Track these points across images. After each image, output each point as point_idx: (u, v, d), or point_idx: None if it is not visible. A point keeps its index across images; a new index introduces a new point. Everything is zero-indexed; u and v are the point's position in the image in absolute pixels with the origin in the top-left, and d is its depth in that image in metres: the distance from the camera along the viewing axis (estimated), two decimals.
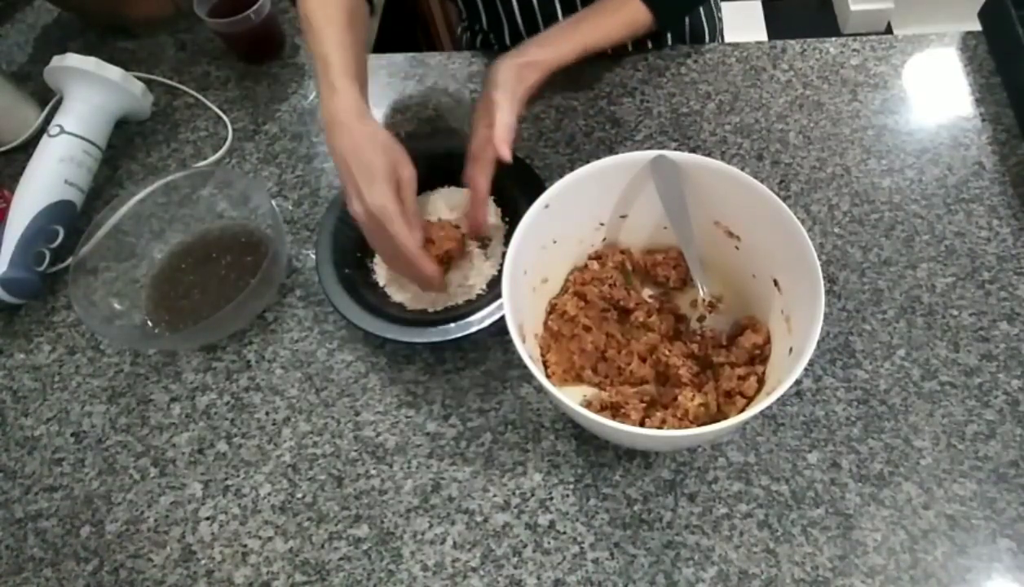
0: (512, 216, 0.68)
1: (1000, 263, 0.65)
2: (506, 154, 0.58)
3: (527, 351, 0.49)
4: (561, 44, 0.65)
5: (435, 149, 0.71)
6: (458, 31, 1.08)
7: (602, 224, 0.63)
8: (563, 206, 0.57)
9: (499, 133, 0.57)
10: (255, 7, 0.81)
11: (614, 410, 0.56)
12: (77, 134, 0.75)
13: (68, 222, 0.74)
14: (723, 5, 0.99)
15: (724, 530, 0.55)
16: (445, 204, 0.71)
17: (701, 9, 0.88)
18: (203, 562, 0.57)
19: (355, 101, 0.58)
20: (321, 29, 0.61)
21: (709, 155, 0.64)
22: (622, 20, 0.69)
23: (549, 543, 0.56)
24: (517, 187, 0.68)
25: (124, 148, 0.84)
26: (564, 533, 0.56)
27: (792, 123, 0.76)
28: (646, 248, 0.65)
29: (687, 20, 0.87)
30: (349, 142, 0.57)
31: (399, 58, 0.87)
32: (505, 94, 0.59)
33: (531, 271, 0.58)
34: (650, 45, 0.85)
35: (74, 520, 0.60)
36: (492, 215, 0.70)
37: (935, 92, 0.77)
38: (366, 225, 0.57)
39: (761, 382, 0.55)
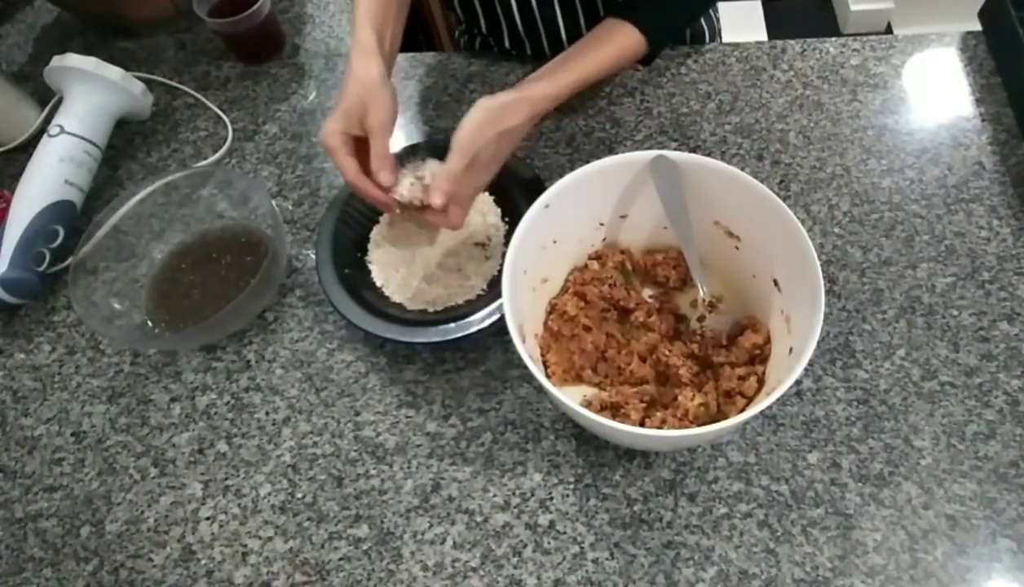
0: (512, 216, 0.68)
1: (1000, 263, 0.65)
2: (436, 201, 0.57)
3: (527, 351, 0.49)
4: (555, 79, 0.65)
5: (436, 148, 0.71)
6: (456, 34, 1.08)
7: (602, 224, 0.63)
8: (563, 206, 0.57)
9: (437, 180, 0.57)
10: (255, 7, 0.81)
11: (614, 410, 0.56)
12: (77, 134, 0.75)
13: (68, 222, 0.74)
14: (723, 5, 0.99)
15: (724, 530, 0.55)
16: None
17: None
18: (203, 562, 0.57)
19: (367, 47, 0.61)
20: None
21: (709, 155, 0.64)
22: (616, 48, 0.69)
23: (549, 543, 0.56)
24: (517, 187, 0.68)
25: (124, 148, 0.84)
26: (564, 533, 0.56)
27: (792, 123, 0.76)
28: (646, 248, 0.65)
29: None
30: (344, 81, 0.61)
31: (399, 58, 0.87)
32: (460, 139, 0.57)
33: (531, 271, 0.58)
34: None
35: (74, 520, 0.60)
36: (492, 215, 0.70)
37: (935, 92, 0.77)
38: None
39: (761, 382, 0.55)
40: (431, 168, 0.61)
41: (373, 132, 0.59)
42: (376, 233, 0.70)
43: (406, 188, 0.60)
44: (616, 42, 0.69)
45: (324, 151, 0.60)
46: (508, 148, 0.61)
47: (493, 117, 0.59)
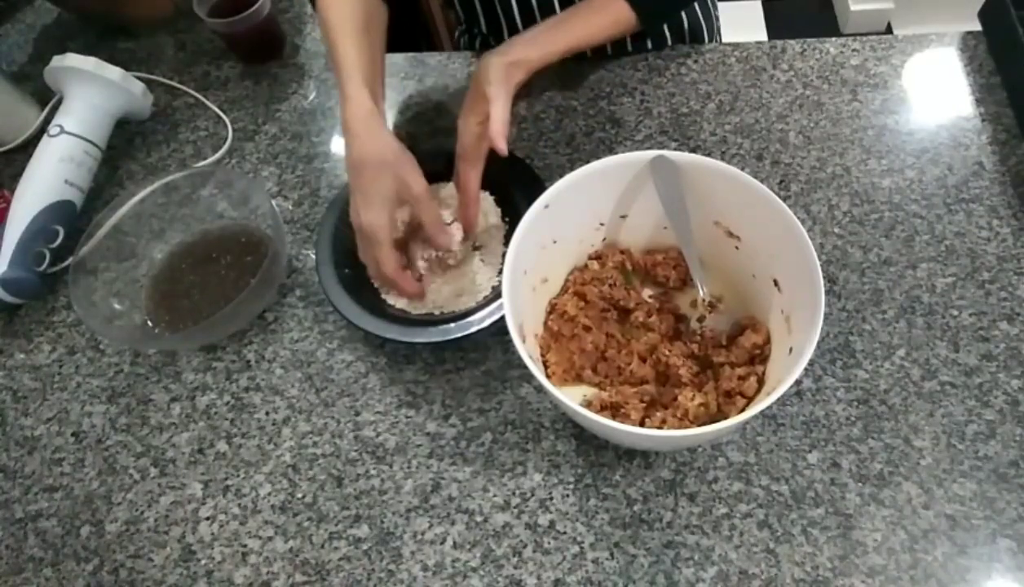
0: (512, 216, 0.68)
1: (1000, 263, 0.65)
2: (502, 147, 0.58)
3: (527, 351, 0.49)
4: (547, 43, 0.65)
5: (437, 148, 0.71)
6: (456, 34, 1.08)
7: (602, 224, 0.63)
8: (563, 206, 0.57)
9: (495, 126, 0.58)
10: (255, 7, 0.81)
11: (614, 410, 0.56)
12: (77, 134, 0.75)
13: (68, 222, 0.74)
14: (723, 5, 0.99)
15: (724, 530, 0.55)
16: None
17: (699, 9, 0.88)
18: (203, 562, 0.57)
19: (366, 109, 0.59)
20: (335, 29, 0.63)
21: (709, 155, 0.64)
22: (607, 20, 0.69)
23: (549, 543, 0.56)
24: (517, 187, 0.68)
25: (124, 148, 0.84)
26: (564, 533, 0.56)
27: (792, 123, 0.76)
28: (646, 248, 0.65)
29: (685, 20, 0.87)
30: (357, 155, 0.59)
31: (399, 58, 0.87)
32: (498, 89, 0.59)
33: (531, 271, 0.58)
34: (650, 45, 0.85)
35: (74, 520, 0.60)
36: (492, 215, 0.70)
37: (935, 92, 0.77)
38: (359, 238, 0.61)
39: (761, 382, 0.55)
40: (447, 191, 0.63)
41: (420, 200, 0.59)
42: None
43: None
44: (609, 14, 0.69)
45: (366, 239, 0.59)
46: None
47: (507, 71, 0.61)
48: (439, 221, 0.61)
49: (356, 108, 0.59)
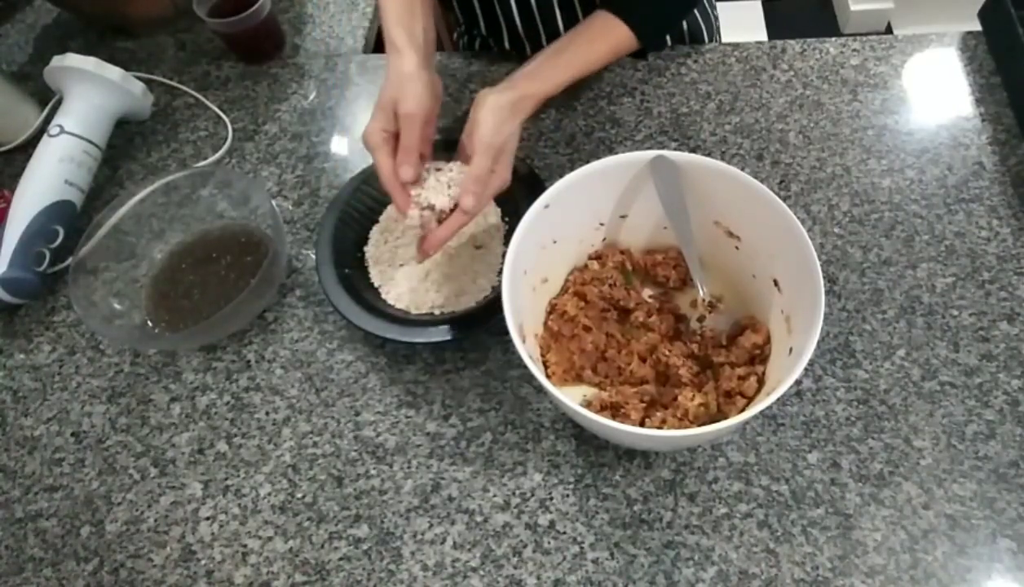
0: (512, 216, 0.68)
1: (1000, 263, 0.65)
2: (468, 204, 0.57)
3: (527, 351, 0.49)
4: (550, 77, 0.65)
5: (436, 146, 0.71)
6: (454, 36, 1.08)
7: (602, 224, 0.63)
8: (563, 206, 0.57)
9: (465, 183, 0.57)
10: (255, 7, 0.81)
11: (614, 410, 0.56)
12: (77, 134, 0.75)
13: (68, 222, 0.74)
14: (723, 5, 0.99)
15: (724, 530, 0.55)
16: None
17: (697, 12, 0.88)
18: (203, 562, 0.57)
19: (394, 38, 0.60)
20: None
21: (709, 155, 0.64)
22: (607, 46, 0.69)
23: (549, 543, 0.56)
24: (517, 187, 0.68)
25: (124, 148, 0.84)
26: (564, 533, 0.56)
27: (792, 123, 0.76)
28: (646, 248, 0.65)
29: (684, 24, 0.87)
30: (388, 72, 0.60)
31: None
32: (482, 140, 0.57)
33: (531, 271, 0.58)
34: None
35: (74, 520, 0.60)
36: (492, 215, 0.70)
37: (935, 92, 0.77)
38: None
39: (761, 382, 0.55)
40: (455, 170, 0.60)
41: (402, 122, 0.58)
42: (375, 234, 0.70)
43: (431, 189, 0.59)
44: (608, 40, 0.69)
45: (365, 146, 0.59)
46: (514, 145, 0.62)
47: (507, 114, 0.59)
48: (409, 150, 0.58)
49: (389, 44, 0.60)
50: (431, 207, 0.59)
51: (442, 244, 0.59)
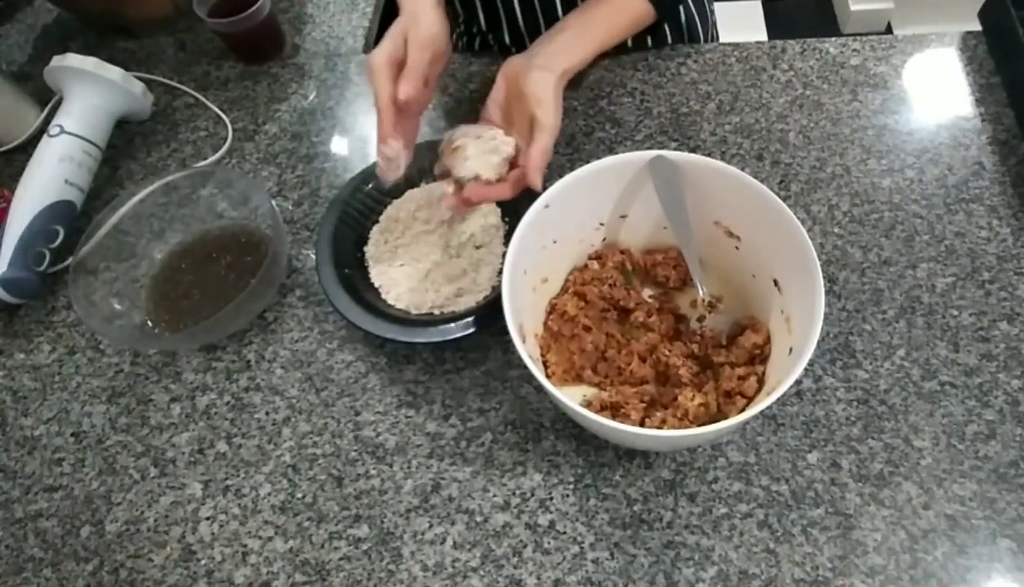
0: (512, 216, 0.68)
1: (1000, 263, 0.65)
2: (537, 183, 0.58)
3: (527, 351, 0.49)
4: (581, 50, 0.66)
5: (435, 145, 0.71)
6: (454, 36, 1.08)
7: (602, 224, 0.63)
8: (563, 206, 0.57)
9: (533, 160, 0.58)
10: (255, 7, 0.81)
11: (614, 410, 0.56)
12: (77, 134, 0.75)
13: (68, 222, 0.74)
14: (723, 5, 0.99)
15: (724, 530, 0.55)
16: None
17: (694, 8, 0.88)
18: (203, 562, 0.57)
19: None
20: None
21: (709, 155, 0.64)
22: (627, 19, 0.71)
23: (549, 543, 0.56)
24: None
25: (124, 148, 0.84)
26: (564, 533, 0.56)
27: (792, 123, 0.76)
28: (646, 248, 0.65)
29: (683, 17, 0.87)
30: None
31: None
32: (550, 120, 0.59)
33: (531, 271, 0.58)
34: (650, 43, 0.85)
35: (74, 520, 0.60)
36: (492, 215, 0.70)
37: (935, 92, 0.77)
38: None
39: (761, 382, 0.55)
40: (498, 138, 0.60)
41: (410, 47, 0.58)
42: (375, 234, 0.70)
43: (478, 158, 0.59)
44: (627, 12, 0.70)
45: (368, 76, 0.59)
46: None
47: (560, 92, 0.61)
48: (414, 71, 0.58)
49: None
50: (476, 177, 0.59)
51: (482, 203, 0.62)
